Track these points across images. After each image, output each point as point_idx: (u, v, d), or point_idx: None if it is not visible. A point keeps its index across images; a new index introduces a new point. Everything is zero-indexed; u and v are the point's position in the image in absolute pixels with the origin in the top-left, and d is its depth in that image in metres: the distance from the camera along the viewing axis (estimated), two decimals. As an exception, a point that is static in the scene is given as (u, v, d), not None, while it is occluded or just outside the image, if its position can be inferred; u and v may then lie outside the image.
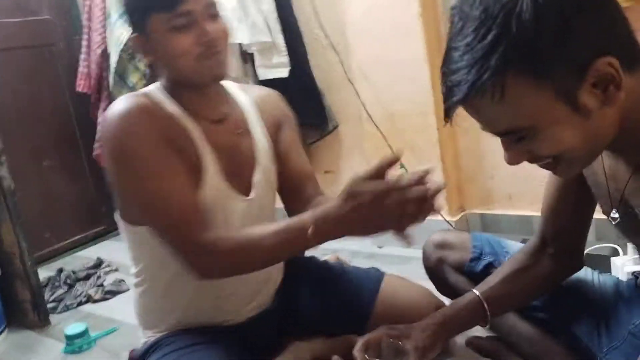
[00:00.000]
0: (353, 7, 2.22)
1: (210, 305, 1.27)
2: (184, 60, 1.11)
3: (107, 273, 2.46)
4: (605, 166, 0.88)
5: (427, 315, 1.20)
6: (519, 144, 0.75)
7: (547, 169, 0.79)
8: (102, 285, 2.32)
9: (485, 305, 1.07)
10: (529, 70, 0.68)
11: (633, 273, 1.13)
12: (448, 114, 0.73)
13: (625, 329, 1.00)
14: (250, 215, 1.22)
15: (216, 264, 1.08)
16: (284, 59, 2.28)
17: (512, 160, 0.77)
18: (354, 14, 2.23)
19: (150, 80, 2.38)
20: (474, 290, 1.09)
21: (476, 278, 1.22)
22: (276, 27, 2.25)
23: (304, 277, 1.43)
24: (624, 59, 0.69)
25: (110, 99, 2.49)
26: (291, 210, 1.29)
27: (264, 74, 2.31)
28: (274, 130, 1.31)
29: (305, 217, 0.98)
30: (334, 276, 1.43)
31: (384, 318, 1.27)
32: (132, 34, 1.17)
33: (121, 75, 2.56)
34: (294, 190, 1.31)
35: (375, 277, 1.42)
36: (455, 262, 1.27)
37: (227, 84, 1.29)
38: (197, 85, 1.16)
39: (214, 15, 1.14)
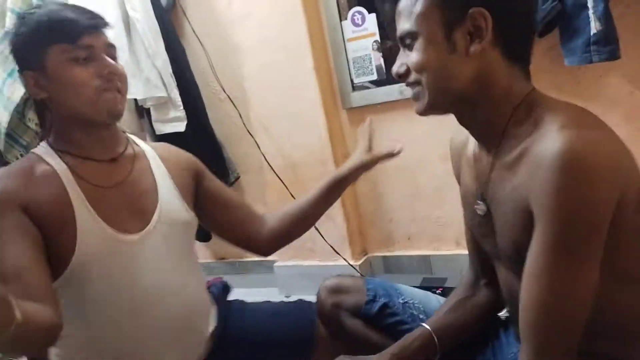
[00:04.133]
0: (249, 62, 2.28)
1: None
2: (82, 91, 1.08)
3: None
4: (473, 166, 0.96)
5: None
6: (404, 54, 0.88)
7: (413, 96, 0.90)
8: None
9: (434, 335, 1.10)
10: None
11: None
12: None
13: (507, 357, 1.07)
14: (155, 248, 1.16)
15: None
16: (181, 113, 2.26)
17: (395, 66, 0.89)
18: (250, 69, 2.29)
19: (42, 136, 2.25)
20: (423, 324, 1.13)
21: (372, 321, 1.24)
22: (171, 82, 2.24)
23: (237, 324, 1.35)
24: (509, 43, 0.83)
25: (3, 163, 2.31)
26: (248, 239, 1.35)
27: (161, 128, 2.28)
28: (189, 178, 1.28)
29: None
30: (268, 314, 1.40)
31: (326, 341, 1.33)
32: (23, 71, 1.12)
33: (12, 136, 2.40)
34: (243, 224, 1.35)
35: (307, 305, 1.41)
36: (351, 306, 1.27)
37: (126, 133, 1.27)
38: (91, 123, 1.12)
39: (112, 57, 1.13)
